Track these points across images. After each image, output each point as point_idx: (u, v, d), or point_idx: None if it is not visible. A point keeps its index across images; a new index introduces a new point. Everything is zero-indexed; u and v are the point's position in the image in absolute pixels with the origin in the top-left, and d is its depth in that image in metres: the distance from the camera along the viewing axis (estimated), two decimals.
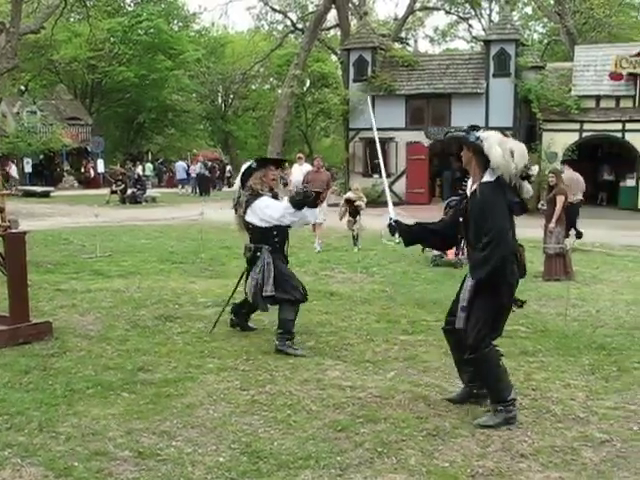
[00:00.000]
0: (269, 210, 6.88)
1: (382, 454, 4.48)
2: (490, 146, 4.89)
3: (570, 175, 14.64)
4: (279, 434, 4.79)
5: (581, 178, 15.68)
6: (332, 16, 41.21)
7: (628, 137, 25.73)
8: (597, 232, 16.72)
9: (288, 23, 47.33)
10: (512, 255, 4.94)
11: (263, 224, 6.92)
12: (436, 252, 12.22)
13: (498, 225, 4.86)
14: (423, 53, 38.06)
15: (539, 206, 11.76)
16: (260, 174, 7.08)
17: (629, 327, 8.01)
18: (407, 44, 42.11)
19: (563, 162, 14.28)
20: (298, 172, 20.32)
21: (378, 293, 9.84)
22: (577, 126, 26.38)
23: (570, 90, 27.14)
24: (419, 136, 28.13)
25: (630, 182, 26.58)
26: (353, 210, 14.08)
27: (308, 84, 47.91)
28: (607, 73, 26.89)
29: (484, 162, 4.95)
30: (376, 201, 26.04)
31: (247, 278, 7.11)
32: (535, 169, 5.09)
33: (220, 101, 58.59)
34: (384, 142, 27.91)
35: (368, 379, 5.96)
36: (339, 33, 40.22)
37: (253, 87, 57.81)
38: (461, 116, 24.85)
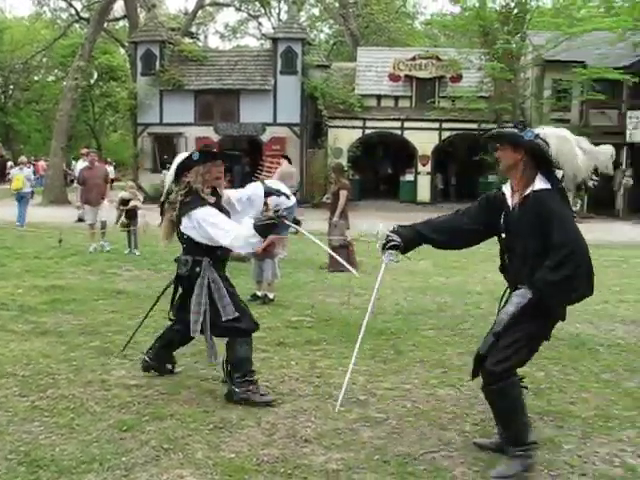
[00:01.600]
0: (215, 231, 5.13)
1: (168, 450, 4.43)
2: (567, 147, 4.11)
3: (286, 169, 15.15)
4: (61, 439, 4.58)
5: (295, 171, 16.45)
6: (120, 6, 39.99)
7: (406, 134, 27.46)
8: (378, 224, 17.65)
9: (73, 12, 45.22)
10: (592, 275, 4.09)
11: (203, 241, 5.28)
12: None
13: (572, 237, 4.01)
14: (213, 48, 38.06)
15: (324, 199, 12.22)
16: (202, 169, 5.33)
17: (406, 312, 8.56)
18: (197, 39, 41.87)
19: (284, 157, 14.56)
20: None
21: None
22: (360, 123, 27.73)
23: (353, 89, 28.44)
24: (208, 131, 28.11)
25: (409, 176, 28.36)
26: (129, 210, 13.49)
27: (95, 77, 46.11)
28: (387, 74, 28.50)
29: (536, 167, 4.14)
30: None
31: (176, 303, 5.60)
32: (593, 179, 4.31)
33: None
34: (173, 137, 27.60)
35: (154, 376, 5.86)
36: (127, 25, 39.12)
37: (36, 78, 54.56)
38: (250, 112, 25.22)
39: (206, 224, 5.14)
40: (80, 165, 20.57)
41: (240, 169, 28.43)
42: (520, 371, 6.06)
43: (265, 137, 28.10)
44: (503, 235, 4.32)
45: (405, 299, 9.42)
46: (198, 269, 5.32)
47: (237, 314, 5.25)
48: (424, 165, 27.70)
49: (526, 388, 4.43)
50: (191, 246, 5.36)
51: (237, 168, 29.19)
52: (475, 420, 5.06)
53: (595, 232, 20.05)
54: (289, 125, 27.89)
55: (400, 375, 6.06)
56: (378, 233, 4.72)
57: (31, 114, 55.34)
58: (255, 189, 5.62)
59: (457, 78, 28.02)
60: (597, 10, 30.72)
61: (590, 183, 4.30)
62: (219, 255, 5.41)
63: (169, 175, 5.53)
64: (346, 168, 22.91)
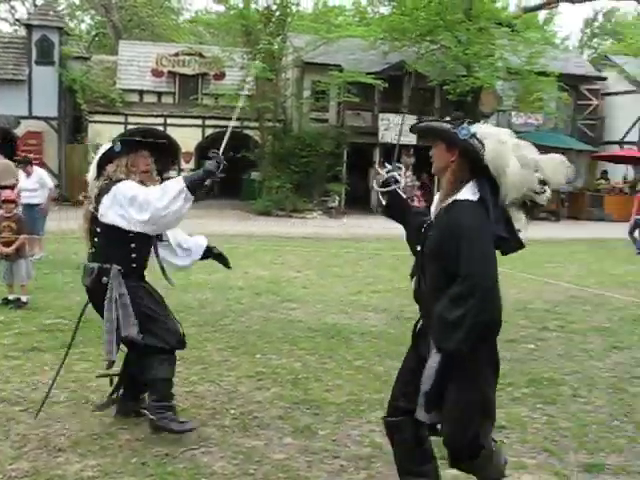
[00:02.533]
0: (146, 197, 4.43)
1: None
2: (499, 153, 3.36)
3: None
4: None
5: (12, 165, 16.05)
6: None
7: (169, 131, 27.17)
8: None
9: None
10: (499, 315, 3.33)
11: (124, 224, 4.53)
12: None
13: (479, 268, 3.26)
14: None
15: (81, 197, 11.77)
16: (126, 160, 4.71)
17: None
18: None
19: None
20: None
21: None
22: (122, 119, 26.99)
23: (115, 83, 27.64)
24: None
25: (172, 173, 28.04)
26: None
27: None
28: (149, 69, 28.03)
29: (470, 171, 3.43)
30: None
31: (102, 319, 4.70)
32: (548, 193, 3.48)
33: None
34: None
35: None
36: None
37: None
38: (2, 104, 23.47)
39: (133, 192, 4.47)
40: None
41: None
42: (278, 364, 6.30)
43: (20, 131, 26.40)
44: (418, 248, 3.63)
45: (166, 297, 9.31)
46: (105, 279, 4.58)
47: (136, 335, 4.55)
48: (187, 162, 27.58)
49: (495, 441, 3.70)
50: (101, 249, 4.67)
51: None
52: (234, 415, 5.17)
53: (351, 227, 21.35)
54: (46, 119, 26.38)
55: None
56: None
57: None
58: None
59: (220, 76, 28.21)
60: (352, 19, 32.58)
61: (542, 198, 3.45)
62: (133, 259, 4.70)
63: (91, 171, 4.80)
64: None
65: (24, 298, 8.57)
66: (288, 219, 23.89)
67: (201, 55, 28.37)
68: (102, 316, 4.63)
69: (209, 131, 27.70)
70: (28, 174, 12.30)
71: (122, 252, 4.63)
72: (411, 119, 27.14)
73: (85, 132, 26.53)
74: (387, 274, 11.87)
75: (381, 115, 26.98)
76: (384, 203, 3.96)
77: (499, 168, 3.34)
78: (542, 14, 39.78)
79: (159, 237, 4.98)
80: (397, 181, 3.91)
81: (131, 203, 4.46)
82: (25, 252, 8.86)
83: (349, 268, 12.76)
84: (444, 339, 3.27)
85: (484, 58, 25.25)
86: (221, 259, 5.39)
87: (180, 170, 27.76)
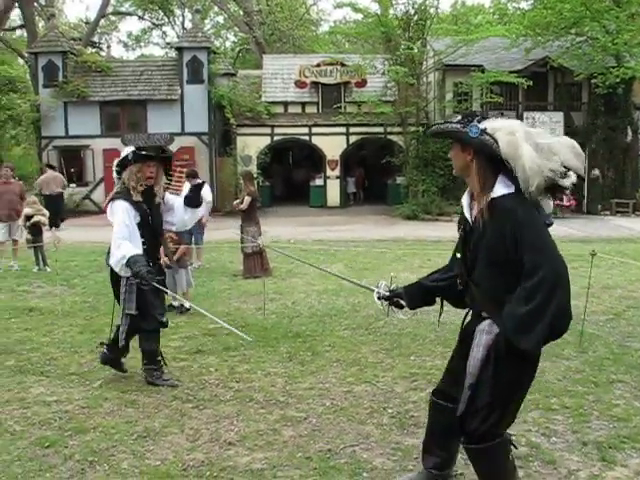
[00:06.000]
0: (115, 228, 5.65)
1: (93, 463, 4.47)
2: (511, 144, 3.33)
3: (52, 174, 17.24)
4: None
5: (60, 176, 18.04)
6: (17, 15, 38.92)
7: (314, 140, 27.80)
8: (290, 229, 17.93)
9: None
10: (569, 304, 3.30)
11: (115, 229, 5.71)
12: None
13: (549, 255, 3.27)
14: (117, 58, 37.50)
15: (235, 205, 12.29)
16: (135, 169, 5.77)
17: (321, 314, 8.77)
18: (100, 49, 41.11)
19: (48, 166, 18.50)
20: None
21: (80, 304, 9.62)
22: (268, 130, 27.90)
23: (260, 96, 28.60)
24: (116, 143, 27.47)
25: (319, 181, 28.72)
26: (33, 226, 12.98)
27: None
28: (293, 81, 28.81)
29: (492, 166, 3.43)
30: (75, 210, 25.16)
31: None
32: (573, 177, 3.41)
33: None
34: (79, 150, 27.11)
35: (74, 391, 5.86)
36: (26, 34, 38.08)
37: None
38: (157, 122, 24.95)
39: (116, 217, 5.64)
40: None
41: None
42: (432, 365, 6.37)
43: (173, 147, 27.89)
44: (458, 255, 3.68)
45: (319, 302, 9.63)
46: None
47: (133, 312, 5.74)
48: (333, 169, 28.11)
49: (515, 447, 3.80)
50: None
51: None
52: (392, 413, 5.29)
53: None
54: (197, 134, 27.76)
55: (318, 375, 6.25)
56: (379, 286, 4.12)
57: None
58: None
59: (362, 83, 28.57)
60: (492, 17, 31.98)
61: (566, 181, 3.37)
62: (144, 248, 5.68)
63: (114, 173, 5.99)
64: (256, 175, 23.10)
65: (187, 304, 9.08)
66: (435, 223, 23.79)
67: (342, 64, 28.82)
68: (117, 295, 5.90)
69: (353, 138, 28.10)
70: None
71: (134, 244, 5.60)
72: (558, 116, 26.43)
73: (234, 144, 27.62)
74: None
75: (526, 114, 26.32)
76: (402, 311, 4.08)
77: (515, 157, 3.31)
78: None
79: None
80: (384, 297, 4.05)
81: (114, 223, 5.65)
82: (185, 262, 9.38)
83: None
84: (515, 337, 3.25)
85: (636, 46, 24.09)
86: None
87: (326, 177, 28.39)
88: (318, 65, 28.99)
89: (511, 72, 25.12)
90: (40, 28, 36.25)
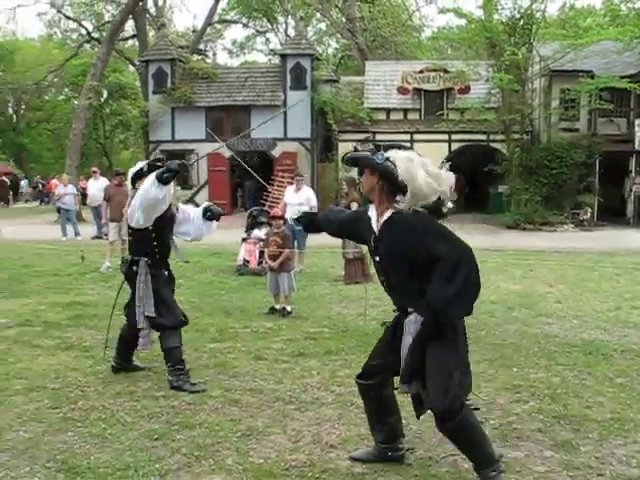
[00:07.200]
0: (143, 188, 5.90)
1: (199, 457, 4.61)
2: (409, 170, 4.02)
3: None
4: (95, 448, 4.77)
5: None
6: (130, 26, 40.54)
7: (416, 147, 27.59)
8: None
9: (83, 32, 45.75)
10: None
11: (140, 213, 5.96)
12: (240, 262, 12.68)
13: (453, 242, 4.01)
14: (222, 65, 38.44)
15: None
16: None
17: None
18: (206, 56, 42.29)
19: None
20: (93, 187, 19.95)
21: (185, 304, 9.89)
22: (370, 136, 27.90)
23: (362, 103, 28.68)
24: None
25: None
26: None
27: (106, 95, 46.61)
28: (395, 88, 28.75)
29: (394, 189, 4.09)
30: None
31: (131, 299, 6.23)
32: (449, 204, 4.20)
33: (11, 112, 55.38)
34: (185, 154, 27.94)
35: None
36: (137, 43, 39.62)
37: (47, 97, 55.23)
38: (261, 127, 25.34)
39: (144, 186, 5.85)
40: (91, 184, 20.86)
41: (251, 184, 28.75)
42: (535, 377, 6.24)
43: (276, 152, 28.36)
44: (377, 258, 4.26)
45: None
46: (135, 268, 6.05)
47: (153, 314, 5.96)
48: None
49: (477, 409, 4.24)
50: (132, 244, 6.21)
51: (248, 184, 29.55)
52: (494, 425, 5.21)
53: (606, 240, 20.25)
54: (300, 140, 28.15)
55: None
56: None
57: (42, 133, 55.99)
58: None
59: (465, 90, 28.20)
60: (603, 19, 30.87)
61: (445, 206, 4.11)
62: (156, 252, 6.09)
63: (128, 184, 6.47)
64: (358, 181, 23.12)
65: (289, 308, 9.23)
66: (538, 232, 23.23)
67: (445, 70, 28.56)
68: (134, 295, 6.08)
69: (455, 145, 27.80)
70: (298, 190, 13.12)
71: (146, 244, 6.02)
72: None
73: (335, 150, 27.79)
74: None
75: (637, 121, 25.39)
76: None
77: (411, 181, 3.98)
78: None
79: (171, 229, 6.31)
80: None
81: (140, 194, 5.88)
82: (288, 266, 9.50)
83: (605, 283, 12.17)
84: (449, 311, 3.89)
85: None
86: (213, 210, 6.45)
87: None
88: (421, 71, 28.84)
89: (622, 77, 24.22)
90: (150, 37, 37.56)
